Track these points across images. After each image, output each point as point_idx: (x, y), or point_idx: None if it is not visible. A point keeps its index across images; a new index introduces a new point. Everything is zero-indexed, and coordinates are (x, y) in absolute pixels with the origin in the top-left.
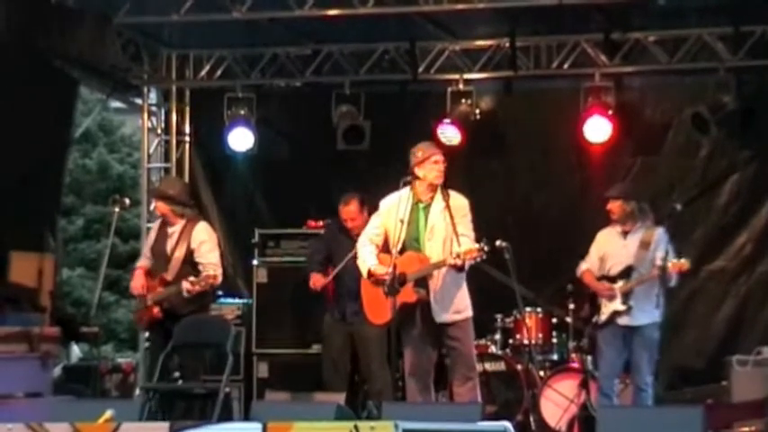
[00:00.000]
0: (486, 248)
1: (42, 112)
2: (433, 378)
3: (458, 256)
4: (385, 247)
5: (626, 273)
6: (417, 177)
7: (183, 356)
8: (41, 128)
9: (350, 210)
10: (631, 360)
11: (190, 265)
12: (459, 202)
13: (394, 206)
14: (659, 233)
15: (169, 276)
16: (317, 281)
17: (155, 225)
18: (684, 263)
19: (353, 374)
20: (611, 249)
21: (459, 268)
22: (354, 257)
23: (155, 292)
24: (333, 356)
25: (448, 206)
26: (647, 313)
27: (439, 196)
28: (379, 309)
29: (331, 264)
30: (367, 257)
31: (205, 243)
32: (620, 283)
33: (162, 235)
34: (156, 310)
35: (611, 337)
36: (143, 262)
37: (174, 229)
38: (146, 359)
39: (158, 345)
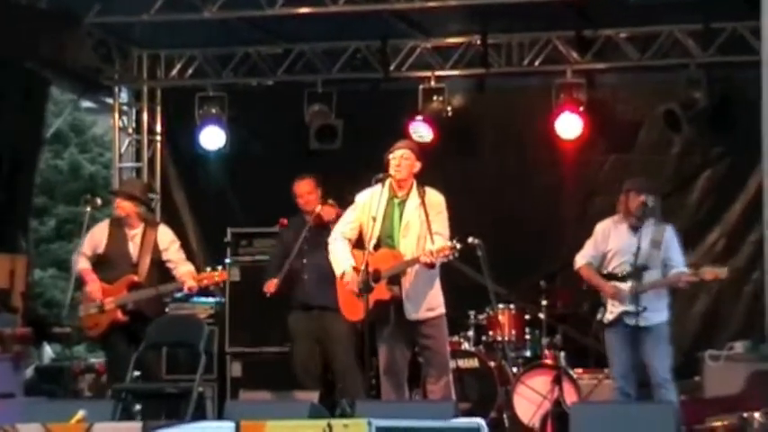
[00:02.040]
0: (457, 246)
1: (13, 113)
2: (407, 376)
3: (430, 253)
4: (359, 242)
5: (638, 272)
6: (390, 174)
7: (145, 357)
8: (12, 128)
9: (303, 185)
10: (645, 359)
11: (157, 266)
12: (435, 198)
13: (369, 201)
14: (669, 231)
15: (139, 279)
16: (269, 286)
17: (102, 226)
18: (722, 271)
19: (326, 373)
20: (619, 246)
21: (431, 266)
22: (311, 242)
23: (118, 296)
24: (301, 357)
25: (423, 203)
26: (658, 312)
27: (415, 192)
28: (353, 306)
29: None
30: (342, 258)
31: (174, 243)
32: (630, 283)
33: (119, 237)
34: (119, 313)
35: (622, 337)
36: (86, 264)
37: (136, 232)
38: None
39: (121, 347)
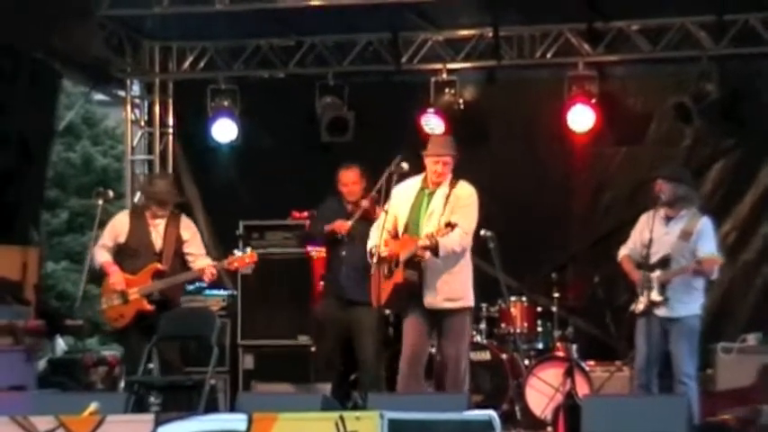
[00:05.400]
0: (451, 224)
1: (25, 105)
2: (424, 367)
3: (428, 236)
4: (397, 233)
5: (664, 262)
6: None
7: (164, 349)
8: (24, 121)
9: (349, 174)
10: (670, 351)
11: (179, 257)
12: (465, 191)
13: (400, 192)
14: (703, 223)
15: (165, 268)
16: (341, 226)
17: (121, 216)
18: (717, 258)
19: (341, 364)
20: (651, 236)
21: (433, 251)
22: (351, 234)
23: (143, 285)
24: (327, 346)
25: (450, 193)
26: (687, 305)
27: (446, 184)
28: (377, 291)
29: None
30: (374, 238)
31: (197, 235)
32: (657, 273)
33: (141, 227)
34: (144, 302)
35: (648, 328)
36: (108, 256)
37: (160, 222)
38: (126, 353)
39: (138, 338)
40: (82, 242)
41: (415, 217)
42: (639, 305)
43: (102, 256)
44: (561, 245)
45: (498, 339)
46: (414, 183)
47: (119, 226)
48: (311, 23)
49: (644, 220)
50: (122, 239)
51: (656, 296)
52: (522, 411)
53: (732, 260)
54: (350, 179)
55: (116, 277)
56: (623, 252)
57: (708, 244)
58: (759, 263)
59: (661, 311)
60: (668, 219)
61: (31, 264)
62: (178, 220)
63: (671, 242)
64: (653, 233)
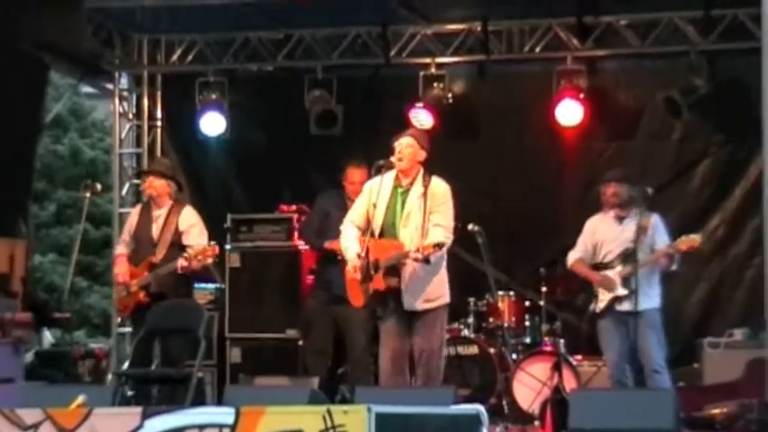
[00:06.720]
0: (441, 244)
1: (13, 98)
2: (408, 363)
3: (417, 250)
4: (368, 229)
5: (625, 257)
6: (392, 162)
7: (168, 342)
8: (12, 113)
9: (358, 173)
10: (638, 344)
11: (177, 248)
12: (439, 188)
13: (374, 189)
14: (655, 218)
15: (156, 260)
16: (334, 243)
17: (134, 210)
18: (695, 239)
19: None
20: (606, 236)
21: (425, 260)
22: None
23: (141, 278)
24: (317, 342)
25: (426, 192)
26: (650, 298)
27: (419, 182)
28: (356, 292)
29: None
30: (350, 244)
31: (195, 226)
32: (619, 268)
33: (145, 219)
34: (141, 295)
35: (614, 325)
36: (123, 249)
37: (160, 213)
38: (123, 345)
39: (137, 330)
40: (69, 235)
41: (392, 218)
42: (600, 303)
43: (117, 248)
44: (550, 239)
45: (486, 333)
46: (386, 180)
47: (130, 219)
48: (300, 16)
49: (593, 222)
50: (132, 233)
51: (620, 291)
52: (510, 405)
53: (722, 254)
54: (357, 178)
55: (119, 269)
56: (574, 256)
57: (664, 237)
58: (748, 257)
59: (624, 306)
60: (620, 218)
61: (19, 256)
62: (179, 212)
63: (629, 238)
64: (608, 233)
